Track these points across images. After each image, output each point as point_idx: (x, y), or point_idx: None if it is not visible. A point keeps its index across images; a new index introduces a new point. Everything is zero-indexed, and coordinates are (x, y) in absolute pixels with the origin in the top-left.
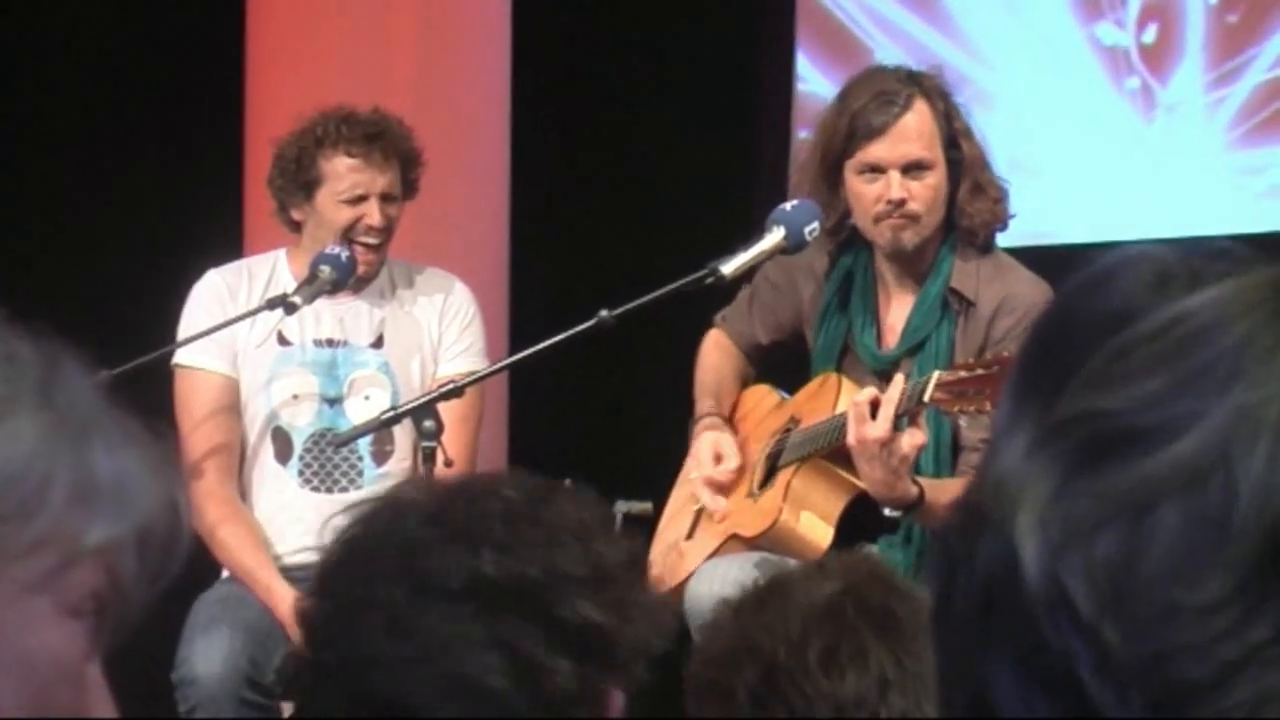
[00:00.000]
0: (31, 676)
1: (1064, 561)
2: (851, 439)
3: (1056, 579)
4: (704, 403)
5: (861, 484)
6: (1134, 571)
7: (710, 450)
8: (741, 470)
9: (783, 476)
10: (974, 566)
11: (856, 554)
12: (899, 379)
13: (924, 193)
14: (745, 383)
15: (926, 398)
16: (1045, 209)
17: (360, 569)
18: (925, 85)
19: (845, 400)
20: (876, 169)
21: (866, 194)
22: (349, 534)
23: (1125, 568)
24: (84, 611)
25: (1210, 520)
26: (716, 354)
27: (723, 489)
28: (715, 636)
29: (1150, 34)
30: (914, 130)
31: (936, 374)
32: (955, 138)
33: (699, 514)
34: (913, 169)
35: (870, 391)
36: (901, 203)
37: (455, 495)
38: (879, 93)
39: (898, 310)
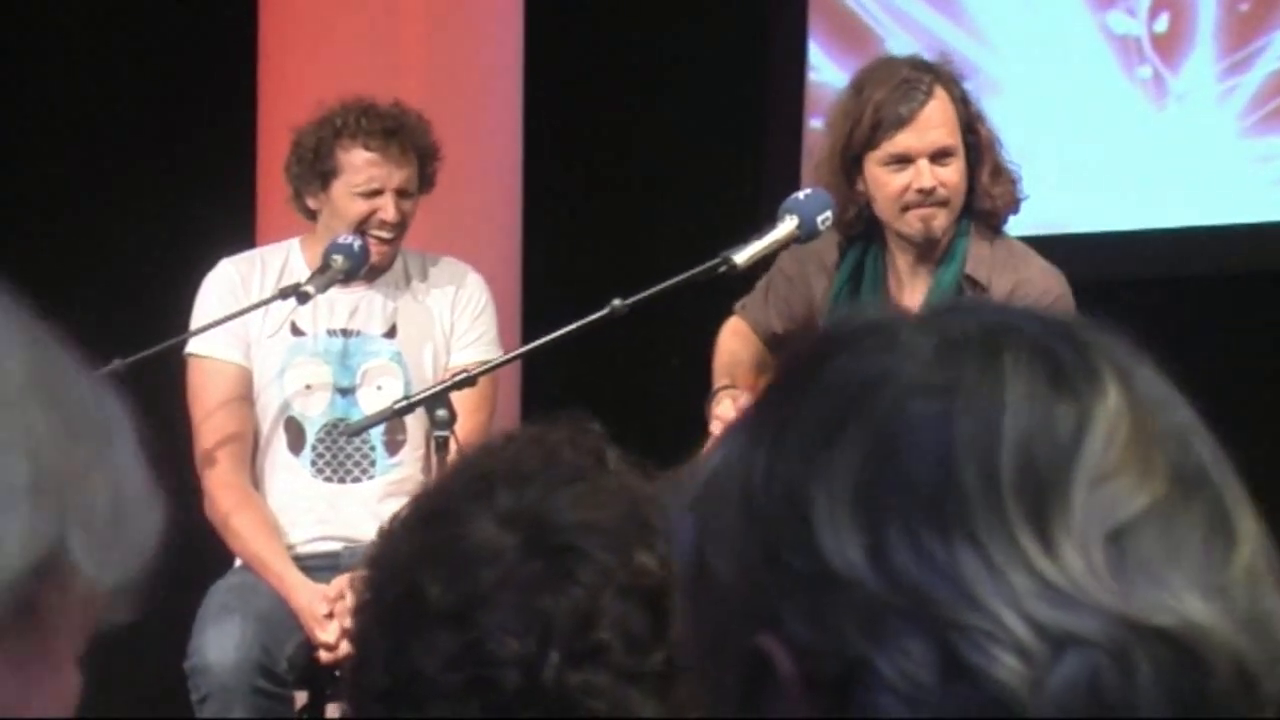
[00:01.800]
0: None
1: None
2: None
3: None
4: (721, 380)
5: None
6: None
7: (731, 405)
8: None
9: None
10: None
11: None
12: None
13: (952, 177)
14: (764, 369)
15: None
16: (1056, 197)
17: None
18: (941, 73)
19: None
20: (904, 159)
21: (893, 184)
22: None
23: None
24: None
25: None
26: (735, 340)
27: None
28: None
29: (1162, 22)
30: (939, 117)
31: None
32: (972, 122)
33: None
34: (940, 156)
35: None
36: (932, 190)
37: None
38: (902, 81)
39: (911, 298)
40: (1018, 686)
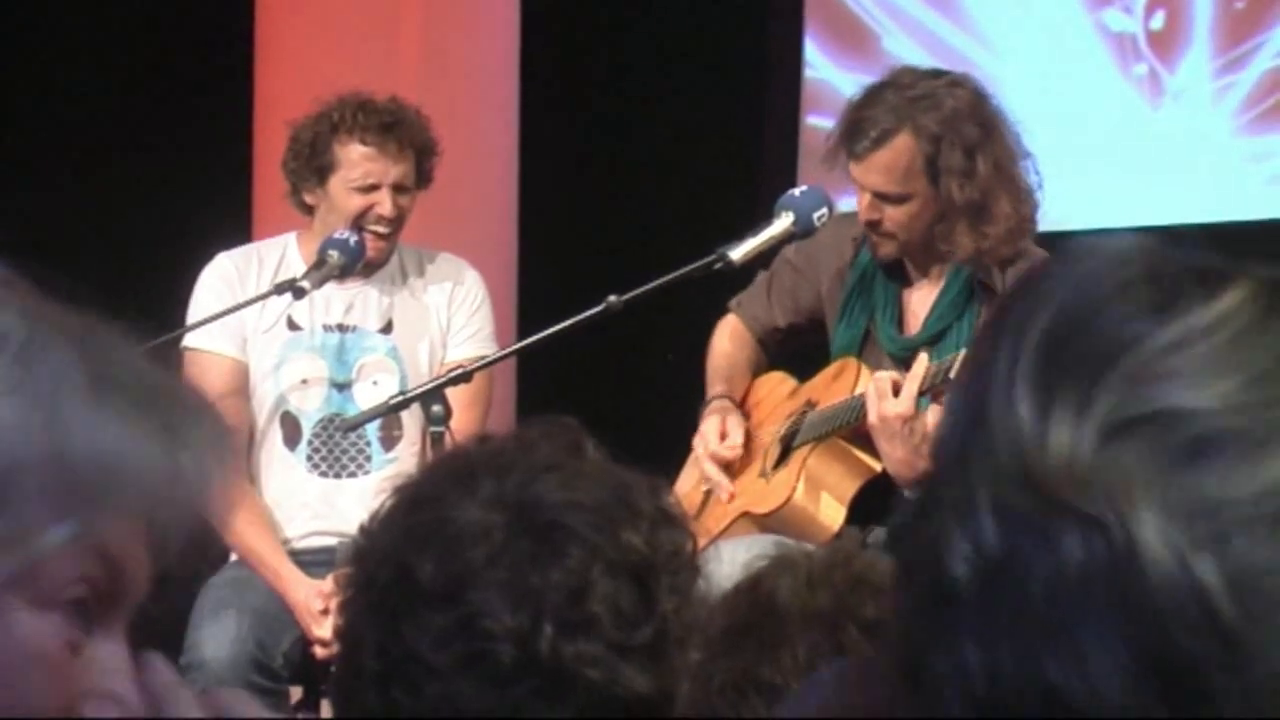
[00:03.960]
0: (4, 673)
1: (1197, 561)
2: (873, 417)
3: (1192, 577)
4: (715, 387)
5: (878, 466)
6: (1275, 581)
7: (716, 427)
8: (753, 450)
9: (798, 455)
10: (1042, 552)
11: (839, 550)
12: (923, 357)
13: (897, 216)
14: (758, 370)
15: (954, 375)
16: (1052, 195)
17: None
18: (919, 121)
19: (864, 385)
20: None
21: (857, 202)
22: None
23: (1267, 577)
24: (68, 600)
25: None
26: (730, 340)
27: (728, 466)
28: (708, 642)
29: (1158, 20)
30: (883, 165)
31: (964, 352)
32: (941, 175)
33: (708, 495)
34: (882, 198)
35: (890, 373)
36: (875, 223)
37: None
38: (861, 119)
39: (921, 297)
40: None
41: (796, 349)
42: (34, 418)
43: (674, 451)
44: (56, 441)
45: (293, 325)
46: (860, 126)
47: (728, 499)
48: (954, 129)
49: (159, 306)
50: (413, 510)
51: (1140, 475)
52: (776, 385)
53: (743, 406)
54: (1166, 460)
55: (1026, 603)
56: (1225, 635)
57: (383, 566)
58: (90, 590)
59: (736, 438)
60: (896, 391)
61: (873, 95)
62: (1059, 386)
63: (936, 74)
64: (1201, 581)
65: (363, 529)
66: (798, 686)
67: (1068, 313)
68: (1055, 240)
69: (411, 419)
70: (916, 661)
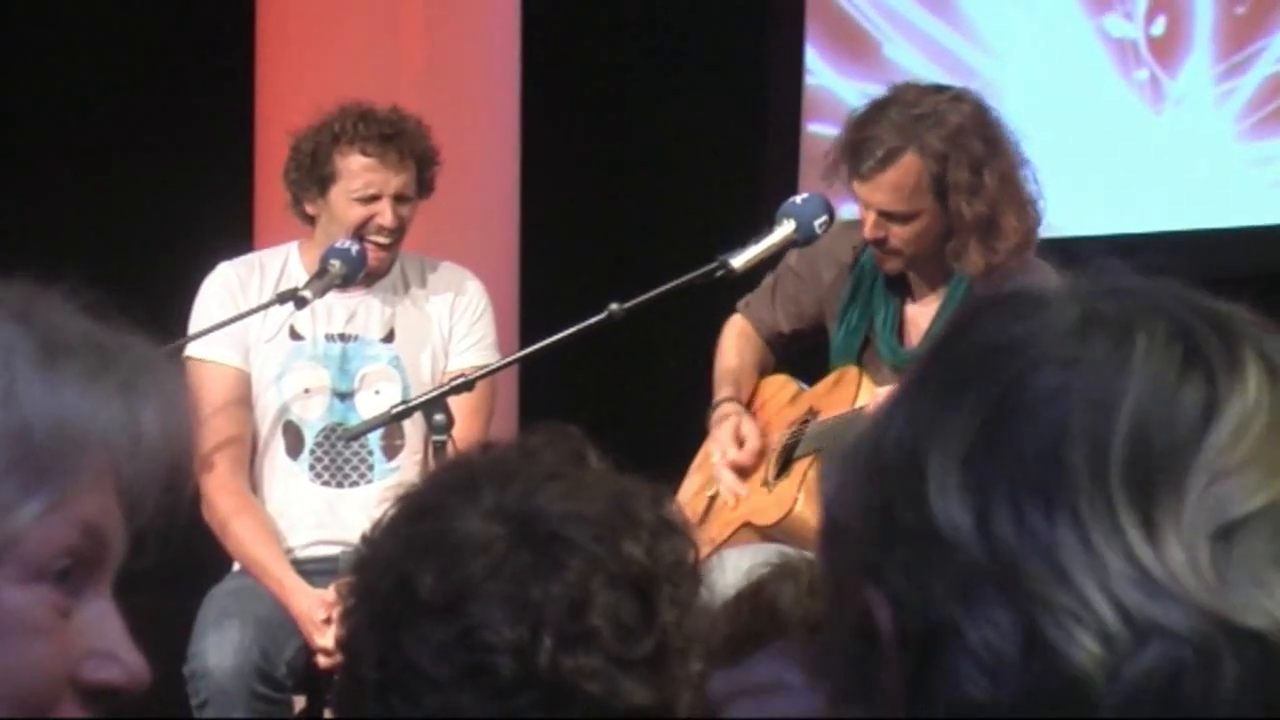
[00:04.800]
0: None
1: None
2: None
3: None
4: (723, 389)
5: None
6: None
7: (732, 433)
8: (760, 456)
9: (799, 467)
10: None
11: None
12: None
13: (904, 234)
14: (765, 371)
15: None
16: (1053, 201)
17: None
18: (925, 139)
19: (865, 395)
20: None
21: (863, 220)
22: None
23: None
24: (53, 570)
25: None
26: (738, 341)
27: (744, 472)
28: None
29: (1159, 26)
30: (889, 185)
31: None
32: (949, 192)
33: (711, 502)
34: (888, 217)
35: (890, 389)
36: (881, 240)
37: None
38: (865, 138)
39: (922, 308)
40: (1093, 670)
41: (803, 350)
42: None
43: (676, 458)
44: (14, 416)
45: (295, 335)
46: (865, 146)
47: (733, 506)
48: (960, 145)
49: (160, 316)
50: (414, 520)
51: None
52: (781, 388)
53: (749, 407)
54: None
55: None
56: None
57: (384, 577)
58: (74, 559)
59: (754, 441)
60: None
61: (876, 113)
62: (1158, 511)
63: (939, 89)
64: None
65: (365, 538)
66: None
67: (1135, 419)
68: (1056, 246)
69: (414, 428)
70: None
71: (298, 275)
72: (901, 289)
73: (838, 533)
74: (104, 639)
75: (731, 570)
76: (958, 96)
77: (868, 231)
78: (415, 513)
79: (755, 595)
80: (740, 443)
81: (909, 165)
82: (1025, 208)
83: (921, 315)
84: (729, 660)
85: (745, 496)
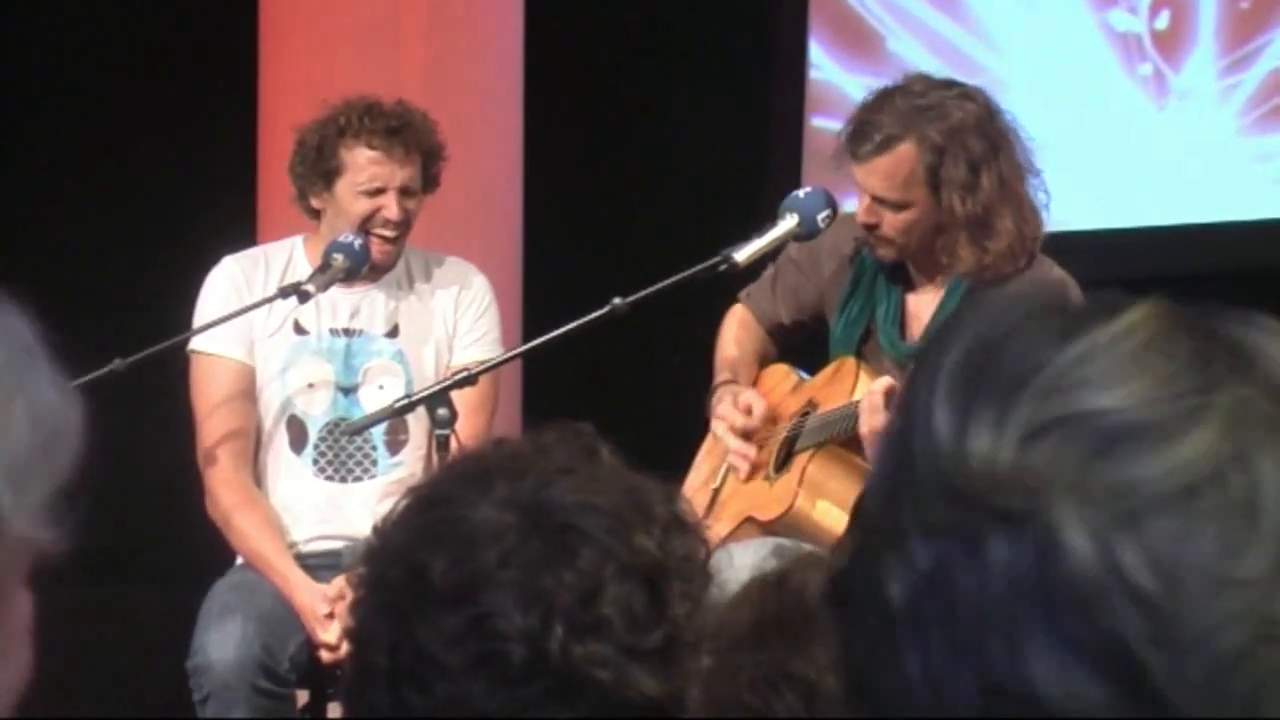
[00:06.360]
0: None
1: (1116, 542)
2: (864, 429)
3: (1112, 557)
4: (722, 375)
5: None
6: (1189, 551)
7: (735, 403)
8: (771, 422)
9: (799, 461)
10: (968, 562)
11: None
12: None
13: (895, 223)
14: (765, 360)
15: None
16: (1057, 195)
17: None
18: (924, 131)
19: (862, 388)
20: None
21: (858, 204)
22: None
23: (1181, 548)
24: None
25: (1239, 503)
26: (738, 330)
27: (750, 437)
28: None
29: (1163, 20)
30: (884, 171)
31: None
32: (943, 186)
33: (715, 495)
34: (881, 203)
35: (886, 381)
36: (873, 226)
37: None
38: (866, 122)
39: (923, 302)
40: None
41: (804, 341)
42: None
43: (679, 452)
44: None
45: (299, 329)
46: (865, 130)
47: (744, 477)
48: (959, 142)
49: (165, 310)
50: (426, 510)
51: (1058, 472)
52: (782, 378)
53: None
54: (1082, 455)
55: (959, 611)
56: (1150, 609)
57: (395, 565)
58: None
59: (758, 406)
60: (889, 405)
61: (882, 99)
62: (974, 405)
63: (949, 84)
64: (1121, 560)
65: (375, 529)
66: (831, 681)
67: (980, 341)
68: (1059, 240)
69: (417, 423)
70: (866, 686)
71: (302, 269)
72: (903, 281)
73: (862, 509)
74: (23, 621)
75: (735, 567)
76: (966, 94)
77: (860, 215)
78: (427, 503)
79: (781, 583)
80: (747, 410)
81: (904, 154)
82: (1025, 213)
83: (923, 308)
84: (754, 648)
85: (747, 490)
